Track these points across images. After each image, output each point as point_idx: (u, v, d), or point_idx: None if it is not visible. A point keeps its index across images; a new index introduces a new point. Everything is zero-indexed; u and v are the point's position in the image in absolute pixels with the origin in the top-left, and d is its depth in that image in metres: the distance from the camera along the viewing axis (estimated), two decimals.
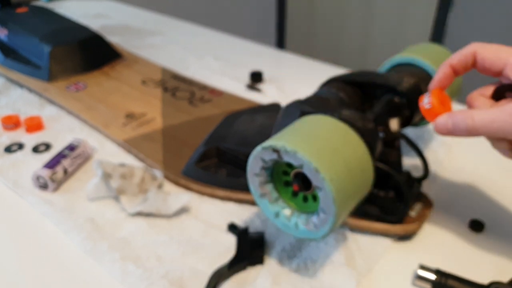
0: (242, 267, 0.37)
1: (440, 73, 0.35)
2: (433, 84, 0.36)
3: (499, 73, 0.33)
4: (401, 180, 0.37)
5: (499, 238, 0.40)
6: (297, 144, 0.30)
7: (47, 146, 0.53)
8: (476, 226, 0.41)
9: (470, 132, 0.32)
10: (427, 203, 0.41)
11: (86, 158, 0.51)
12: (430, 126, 0.57)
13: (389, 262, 0.38)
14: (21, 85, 0.68)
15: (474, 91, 0.35)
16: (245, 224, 0.42)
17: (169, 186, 0.47)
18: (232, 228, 0.41)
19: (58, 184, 0.47)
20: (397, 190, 0.39)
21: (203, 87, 0.66)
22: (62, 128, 0.57)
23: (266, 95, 0.67)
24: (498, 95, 0.33)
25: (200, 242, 0.40)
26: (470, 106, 0.34)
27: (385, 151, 0.38)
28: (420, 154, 0.40)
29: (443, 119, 0.33)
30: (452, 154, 0.52)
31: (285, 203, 0.35)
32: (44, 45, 0.68)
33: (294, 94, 0.67)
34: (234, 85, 0.69)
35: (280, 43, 2.18)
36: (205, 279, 0.35)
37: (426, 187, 0.47)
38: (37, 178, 0.46)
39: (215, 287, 0.34)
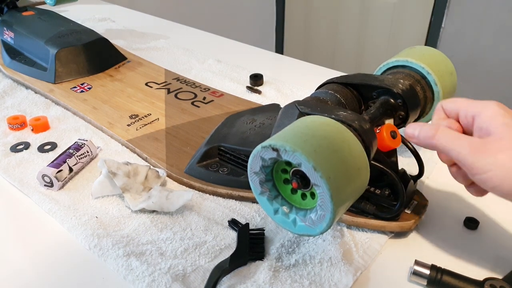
0: (243, 263, 0.38)
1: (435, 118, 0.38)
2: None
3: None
4: (396, 178, 0.38)
5: (494, 236, 0.41)
6: (296, 144, 0.31)
7: (53, 146, 0.54)
8: (471, 223, 0.42)
9: (429, 147, 0.36)
10: (423, 201, 0.42)
11: (91, 157, 0.52)
12: None
13: (385, 258, 0.39)
14: (27, 87, 0.69)
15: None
16: (245, 221, 0.43)
17: (172, 184, 0.48)
18: (233, 224, 0.42)
19: (63, 183, 0.47)
20: (392, 188, 0.40)
21: (205, 89, 0.67)
22: (68, 128, 0.58)
23: (265, 97, 0.68)
24: None
25: (202, 238, 0.41)
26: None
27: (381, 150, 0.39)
28: (415, 153, 0.41)
29: (411, 128, 0.36)
30: None
31: (284, 200, 0.36)
32: (50, 47, 0.69)
33: (293, 96, 0.68)
34: (235, 87, 0.70)
35: (279, 51, 2.19)
36: (207, 274, 0.36)
37: (422, 186, 0.48)
38: (43, 176, 0.46)
39: (217, 282, 0.35)
